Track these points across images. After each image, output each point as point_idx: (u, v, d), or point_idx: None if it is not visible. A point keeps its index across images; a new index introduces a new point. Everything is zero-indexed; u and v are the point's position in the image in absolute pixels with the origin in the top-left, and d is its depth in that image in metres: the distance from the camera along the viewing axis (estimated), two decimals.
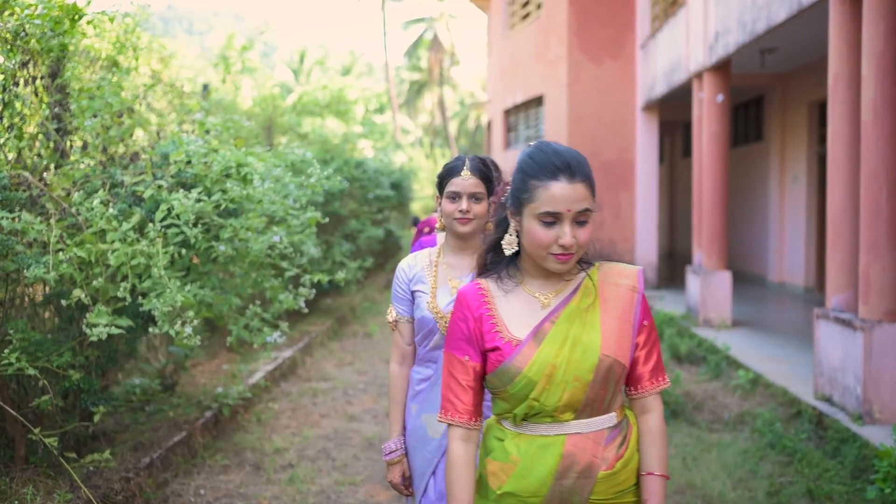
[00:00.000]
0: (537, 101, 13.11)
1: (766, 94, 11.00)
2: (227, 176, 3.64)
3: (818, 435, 4.63)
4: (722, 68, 7.83)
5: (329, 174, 3.82)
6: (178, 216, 3.36)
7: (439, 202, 2.28)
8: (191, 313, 3.21)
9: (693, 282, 8.32)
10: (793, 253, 10.41)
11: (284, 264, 3.79)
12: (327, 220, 3.97)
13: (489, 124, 17.63)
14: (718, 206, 7.98)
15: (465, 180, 2.21)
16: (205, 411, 4.69)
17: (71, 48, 4.20)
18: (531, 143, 1.62)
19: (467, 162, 2.23)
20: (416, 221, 8.29)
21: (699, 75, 8.24)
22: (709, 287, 7.94)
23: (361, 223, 9.49)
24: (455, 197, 2.21)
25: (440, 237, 2.42)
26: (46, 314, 4.07)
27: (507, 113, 14.79)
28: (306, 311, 3.96)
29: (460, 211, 2.20)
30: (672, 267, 13.82)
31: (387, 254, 12.00)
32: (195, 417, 4.56)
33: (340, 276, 3.80)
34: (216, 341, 6.35)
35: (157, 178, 3.71)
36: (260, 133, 8.51)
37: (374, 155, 12.12)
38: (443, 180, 2.26)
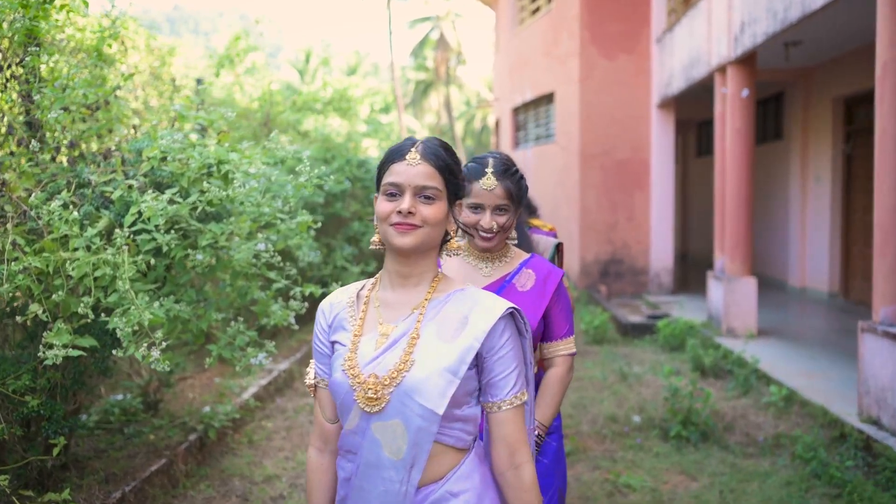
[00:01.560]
0: (547, 99, 12.64)
1: (786, 90, 10.52)
2: (209, 174, 3.21)
3: (867, 462, 4.17)
4: (747, 61, 7.36)
5: (322, 173, 3.38)
6: (148, 220, 2.93)
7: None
8: (159, 334, 2.78)
9: (715, 288, 7.84)
10: (816, 257, 9.92)
11: (272, 275, 3.35)
12: (319, 224, 3.53)
13: (497, 123, 17.17)
14: (743, 208, 7.50)
15: (412, 167, 1.44)
16: (189, 434, 4.27)
17: (44, 36, 3.82)
18: None
19: (419, 144, 1.48)
20: None
21: (722, 69, 7.77)
22: (732, 294, 7.46)
23: (365, 225, 9.03)
24: (395, 192, 1.45)
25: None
26: (22, 328, 3.67)
27: (516, 111, 14.33)
28: (297, 327, 3.53)
29: (399, 212, 1.44)
30: (685, 271, 13.32)
31: None
32: (178, 441, 4.14)
33: (334, 287, 3.35)
34: (207, 353, 5.92)
35: (128, 176, 3.28)
36: (259, 130, 8.09)
37: (378, 154, 11.67)
38: (381, 169, 1.50)
